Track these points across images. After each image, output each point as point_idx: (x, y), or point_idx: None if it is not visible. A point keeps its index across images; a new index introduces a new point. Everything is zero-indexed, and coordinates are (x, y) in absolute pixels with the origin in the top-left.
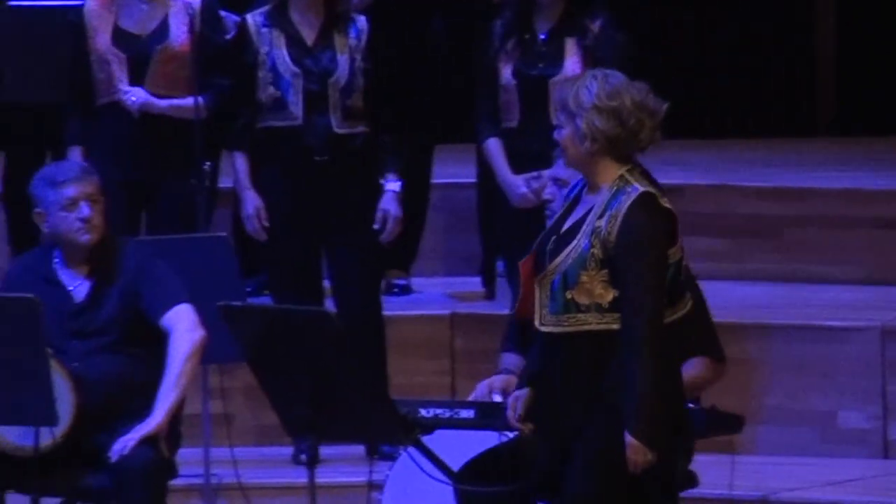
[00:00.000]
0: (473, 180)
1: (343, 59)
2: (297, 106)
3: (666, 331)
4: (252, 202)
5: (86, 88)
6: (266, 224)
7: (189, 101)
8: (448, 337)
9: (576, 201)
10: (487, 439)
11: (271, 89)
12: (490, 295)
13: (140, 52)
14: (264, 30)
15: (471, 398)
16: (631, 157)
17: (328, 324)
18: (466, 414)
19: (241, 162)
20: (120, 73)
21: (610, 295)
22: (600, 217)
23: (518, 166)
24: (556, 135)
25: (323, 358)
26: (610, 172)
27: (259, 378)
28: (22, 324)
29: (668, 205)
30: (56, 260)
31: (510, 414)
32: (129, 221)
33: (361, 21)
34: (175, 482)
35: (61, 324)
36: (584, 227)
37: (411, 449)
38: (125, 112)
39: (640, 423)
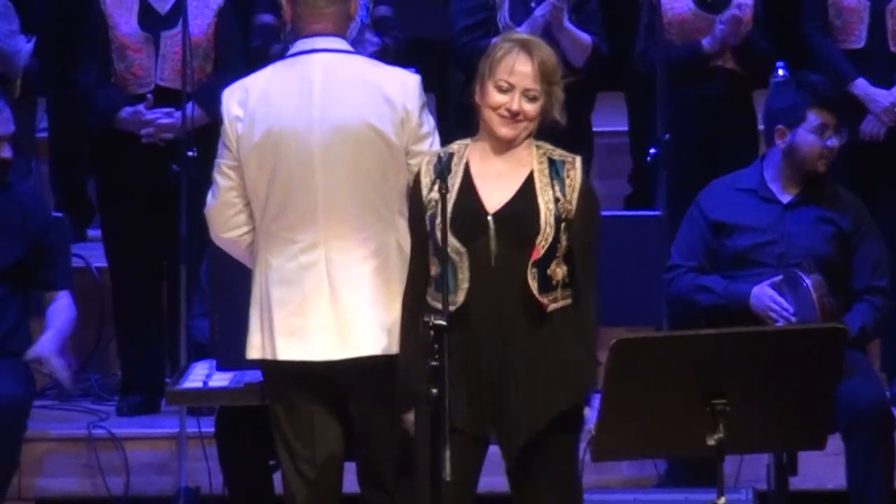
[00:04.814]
0: None
1: None
2: None
3: None
4: None
5: None
6: None
7: None
8: None
9: (466, 176)
10: None
11: None
12: None
13: None
14: None
15: None
16: None
17: None
18: None
19: None
20: None
21: (561, 273)
22: (550, 186)
23: None
24: (524, 106)
25: None
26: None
27: None
28: None
29: None
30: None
31: None
32: None
33: None
34: None
35: None
36: (539, 196)
37: None
38: None
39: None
